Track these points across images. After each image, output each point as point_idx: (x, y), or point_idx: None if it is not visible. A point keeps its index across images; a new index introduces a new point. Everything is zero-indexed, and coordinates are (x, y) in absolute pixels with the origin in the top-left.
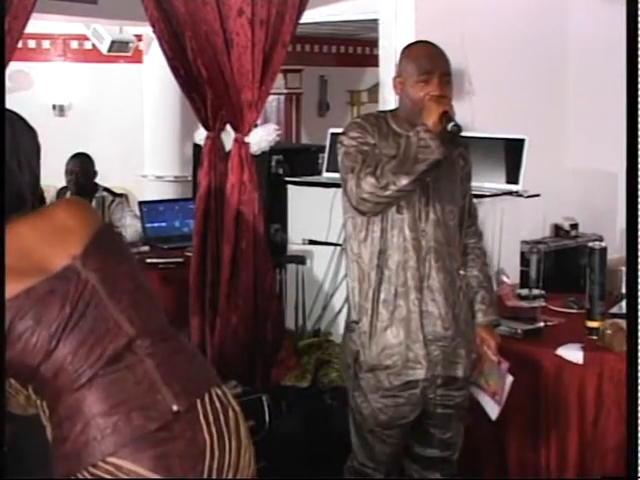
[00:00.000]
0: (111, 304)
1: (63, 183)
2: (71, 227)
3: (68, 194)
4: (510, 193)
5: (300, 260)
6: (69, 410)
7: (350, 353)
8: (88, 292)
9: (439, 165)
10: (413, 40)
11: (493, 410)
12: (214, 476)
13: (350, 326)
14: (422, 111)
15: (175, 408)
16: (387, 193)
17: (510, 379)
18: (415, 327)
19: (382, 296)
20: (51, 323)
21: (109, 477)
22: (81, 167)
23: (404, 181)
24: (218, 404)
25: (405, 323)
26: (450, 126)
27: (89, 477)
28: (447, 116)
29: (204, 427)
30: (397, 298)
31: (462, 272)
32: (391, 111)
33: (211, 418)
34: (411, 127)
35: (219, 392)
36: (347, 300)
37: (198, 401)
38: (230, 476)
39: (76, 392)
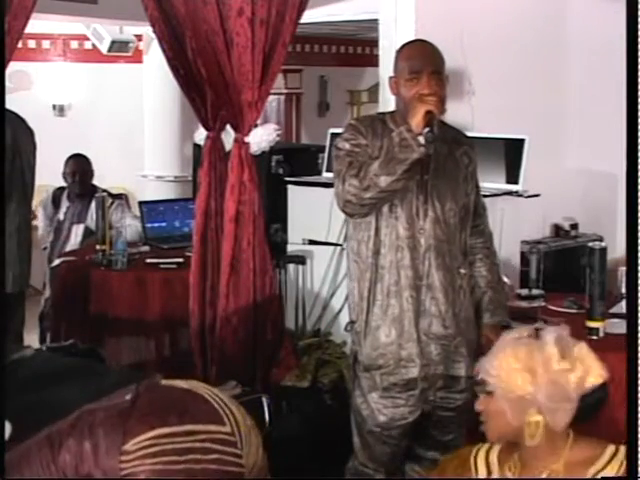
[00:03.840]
0: None
1: (61, 182)
2: None
3: (64, 195)
4: (510, 193)
5: (300, 260)
6: None
7: (351, 353)
8: None
9: (422, 163)
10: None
11: None
12: None
13: (347, 327)
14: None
15: None
16: (369, 194)
17: None
18: (408, 325)
19: (376, 295)
20: None
21: None
22: (80, 168)
23: (384, 182)
24: None
25: (398, 322)
26: (425, 132)
27: None
28: (430, 116)
29: None
30: (389, 297)
31: (463, 271)
32: (391, 112)
33: None
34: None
35: None
36: (347, 300)
37: None
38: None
39: None
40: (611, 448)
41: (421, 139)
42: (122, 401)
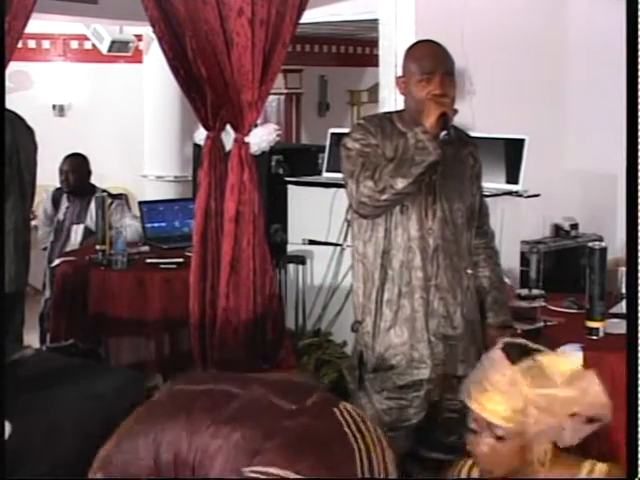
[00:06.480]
0: None
1: None
2: None
3: (64, 195)
4: (510, 193)
5: (300, 260)
6: None
7: (355, 354)
8: None
9: (437, 166)
10: (413, 40)
11: None
12: None
13: (354, 326)
14: (423, 111)
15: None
16: (385, 197)
17: None
18: (420, 327)
19: (385, 296)
20: None
21: None
22: (72, 167)
23: (401, 184)
24: None
25: (409, 323)
26: (442, 135)
27: None
28: (445, 119)
29: None
30: (401, 298)
31: (470, 271)
32: (398, 112)
33: None
34: (416, 126)
35: None
36: (351, 301)
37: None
38: None
39: None
40: (586, 467)
41: (433, 144)
42: (286, 409)
